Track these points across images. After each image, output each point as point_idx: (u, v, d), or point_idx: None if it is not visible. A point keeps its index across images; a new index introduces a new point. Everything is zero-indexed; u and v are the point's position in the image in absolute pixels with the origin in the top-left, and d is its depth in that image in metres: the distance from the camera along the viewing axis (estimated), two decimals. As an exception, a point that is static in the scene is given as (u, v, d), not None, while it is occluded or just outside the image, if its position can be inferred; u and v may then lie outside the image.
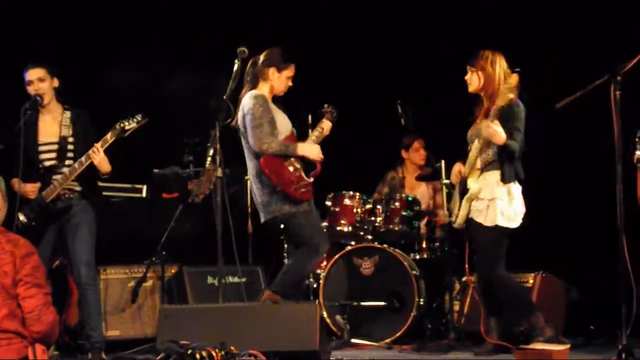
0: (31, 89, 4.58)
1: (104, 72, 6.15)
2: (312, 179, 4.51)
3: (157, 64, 6.11)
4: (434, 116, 5.78)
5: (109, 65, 6.13)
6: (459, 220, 4.39)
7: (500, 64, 4.29)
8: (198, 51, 6.11)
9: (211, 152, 4.18)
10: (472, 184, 4.31)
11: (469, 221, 4.34)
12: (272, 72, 4.51)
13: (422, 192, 5.96)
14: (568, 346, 4.07)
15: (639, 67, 3.64)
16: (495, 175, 4.27)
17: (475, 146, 4.32)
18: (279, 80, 4.50)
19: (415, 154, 5.96)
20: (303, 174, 4.42)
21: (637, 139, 3.69)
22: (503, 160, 4.23)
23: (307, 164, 4.51)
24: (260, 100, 4.41)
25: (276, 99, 4.59)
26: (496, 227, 4.21)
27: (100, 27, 6.09)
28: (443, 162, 5.12)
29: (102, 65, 6.13)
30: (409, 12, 6.09)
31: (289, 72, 4.52)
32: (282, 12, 6.16)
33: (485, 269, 4.32)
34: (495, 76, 4.26)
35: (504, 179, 4.23)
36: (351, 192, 5.56)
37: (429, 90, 5.87)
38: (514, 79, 4.13)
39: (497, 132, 4.15)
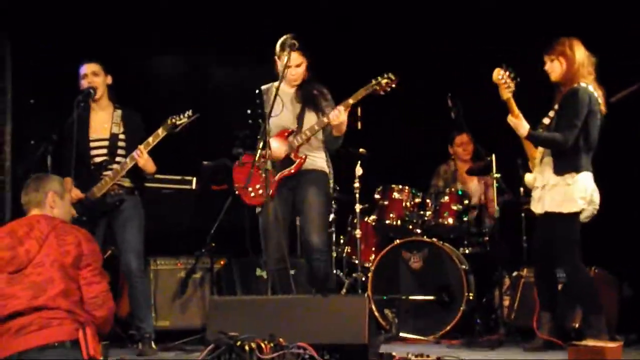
0: (85, 82, 4.72)
1: (153, 65, 6.27)
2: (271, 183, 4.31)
3: (205, 55, 6.19)
4: (485, 109, 5.54)
5: (157, 57, 6.25)
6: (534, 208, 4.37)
7: (579, 48, 4.25)
8: (244, 43, 6.15)
9: (261, 145, 4.24)
10: (530, 177, 4.38)
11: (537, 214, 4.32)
12: (276, 60, 4.56)
13: (474, 186, 5.94)
14: (621, 343, 4.04)
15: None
16: (550, 164, 4.26)
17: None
18: (280, 68, 4.47)
19: (459, 149, 5.99)
20: (270, 176, 4.23)
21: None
22: (553, 151, 4.24)
23: (284, 160, 4.48)
24: (256, 95, 4.51)
25: (301, 89, 4.56)
26: (546, 213, 4.18)
27: (144, 17, 6.16)
28: (494, 155, 5.12)
29: (150, 57, 6.23)
30: (461, 6, 6.10)
31: (288, 60, 4.43)
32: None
33: (560, 259, 4.23)
34: (575, 60, 4.22)
35: (556, 171, 4.21)
36: (400, 186, 5.61)
37: (480, 82, 5.75)
38: (494, 74, 4.20)
39: (520, 124, 4.21)
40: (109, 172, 4.67)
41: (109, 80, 4.77)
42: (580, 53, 4.21)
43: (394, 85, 4.36)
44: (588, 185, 4.22)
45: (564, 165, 4.19)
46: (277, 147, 4.46)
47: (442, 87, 5.30)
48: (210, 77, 6.25)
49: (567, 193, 4.17)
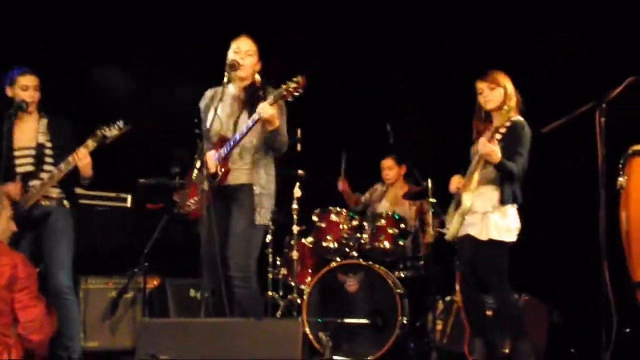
0: (25, 95, 4.57)
1: (91, 77, 6.14)
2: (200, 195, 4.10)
3: (148, 69, 6.09)
4: (423, 133, 5.95)
5: (96, 69, 6.12)
6: (450, 233, 4.40)
7: (510, 82, 4.40)
8: (192, 60, 6.14)
9: (198, 164, 4.13)
10: (467, 198, 4.33)
11: (464, 238, 4.36)
12: (228, 57, 4.35)
13: (403, 209, 5.93)
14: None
15: (624, 95, 3.74)
16: (492, 192, 4.30)
17: (475, 162, 4.34)
18: (229, 60, 4.30)
19: (383, 172, 6.06)
20: (200, 185, 4.05)
21: (620, 166, 3.68)
22: (503, 180, 4.27)
23: (211, 174, 4.23)
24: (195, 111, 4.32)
25: (249, 89, 4.35)
26: (491, 241, 4.23)
27: (87, 28, 6.09)
28: (430, 180, 5.19)
29: (88, 69, 6.11)
30: (402, 26, 6.21)
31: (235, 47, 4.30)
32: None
33: (491, 286, 4.29)
34: (512, 92, 4.35)
35: (502, 201, 4.26)
36: (338, 208, 5.63)
37: (418, 108, 6.06)
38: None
39: (493, 150, 4.17)
40: (35, 182, 4.53)
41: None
42: (512, 86, 4.36)
43: (301, 90, 4.09)
44: (517, 216, 4.35)
45: (508, 195, 4.26)
46: (210, 160, 4.24)
47: (384, 111, 5.46)
48: (155, 90, 6.19)
49: (508, 223, 4.26)
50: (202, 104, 4.43)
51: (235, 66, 4.25)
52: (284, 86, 4.13)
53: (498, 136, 4.21)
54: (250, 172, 4.32)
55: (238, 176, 4.29)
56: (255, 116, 4.15)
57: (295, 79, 4.13)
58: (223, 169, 4.25)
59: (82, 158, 4.48)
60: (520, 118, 4.29)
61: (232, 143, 4.23)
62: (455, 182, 4.42)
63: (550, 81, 5.58)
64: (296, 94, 4.12)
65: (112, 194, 5.53)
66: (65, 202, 4.63)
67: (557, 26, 5.66)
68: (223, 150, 4.25)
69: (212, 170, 4.21)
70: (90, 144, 4.51)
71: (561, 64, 5.60)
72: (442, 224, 5.10)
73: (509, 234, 4.24)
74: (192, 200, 4.32)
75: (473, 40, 5.87)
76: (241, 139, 4.21)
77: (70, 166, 4.50)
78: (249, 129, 4.19)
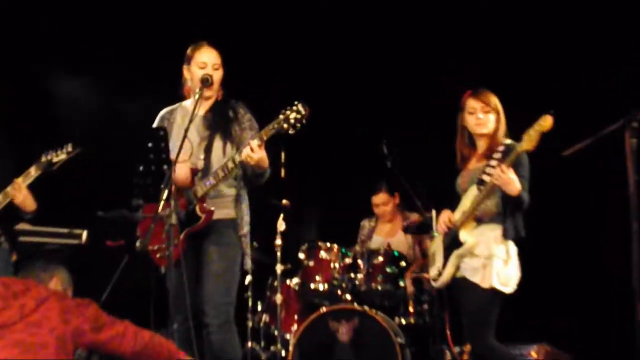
0: None
1: (43, 91, 6.19)
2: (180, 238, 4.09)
3: (107, 83, 6.17)
4: (425, 157, 5.87)
5: (49, 82, 6.20)
6: (443, 278, 4.39)
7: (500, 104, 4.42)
8: (157, 75, 6.10)
9: (165, 194, 4.04)
10: (467, 237, 4.30)
11: (458, 281, 4.36)
12: (184, 71, 4.41)
13: (399, 242, 5.91)
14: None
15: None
16: (495, 229, 4.28)
17: (472, 194, 4.32)
18: (191, 74, 4.35)
19: (376, 210, 6.07)
20: (168, 220, 3.99)
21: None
22: (507, 214, 4.25)
23: (188, 214, 4.23)
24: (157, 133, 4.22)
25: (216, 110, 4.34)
26: (492, 289, 4.21)
27: (42, 40, 6.17)
28: (434, 212, 5.11)
29: (40, 82, 6.17)
30: (400, 50, 6.30)
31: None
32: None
33: (476, 336, 4.29)
34: (502, 117, 4.39)
35: (506, 236, 4.24)
36: (328, 244, 5.58)
37: (418, 129, 6.05)
38: (548, 121, 4.08)
39: (512, 180, 4.14)
40: None
41: None
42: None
43: (304, 122, 4.07)
44: (518, 261, 4.35)
45: (511, 230, 4.26)
46: (181, 174, 4.21)
47: (378, 130, 5.45)
48: (114, 108, 6.21)
49: (510, 272, 4.28)
50: (165, 113, 4.43)
51: (209, 82, 4.24)
52: (281, 117, 4.07)
53: (493, 162, 4.23)
54: (230, 205, 4.33)
55: (215, 210, 4.29)
56: (236, 157, 4.14)
57: (296, 108, 4.08)
58: (203, 213, 4.22)
59: (19, 189, 4.40)
60: (512, 141, 4.30)
61: (208, 184, 4.22)
62: (446, 218, 4.41)
63: (573, 97, 5.63)
64: (298, 126, 4.06)
65: (64, 230, 5.40)
66: (2, 237, 4.59)
67: (579, 37, 5.79)
68: (198, 188, 4.23)
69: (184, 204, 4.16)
70: (34, 171, 4.46)
71: (585, 78, 5.68)
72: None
73: (508, 285, 4.25)
74: (155, 248, 4.29)
75: (466, 80, 5.80)
76: (220, 181, 4.22)
77: (8, 199, 4.44)
78: (228, 173, 4.18)
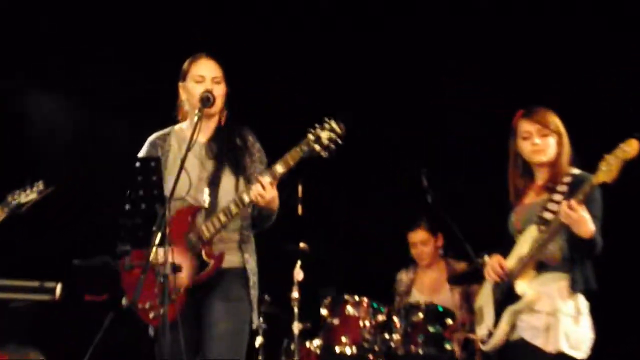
0: None
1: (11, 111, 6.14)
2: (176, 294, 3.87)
3: (87, 101, 6.12)
4: (472, 192, 5.82)
5: (17, 101, 6.14)
6: (495, 340, 4.13)
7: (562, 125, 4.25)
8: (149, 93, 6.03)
9: (157, 238, 3.76)
10: (525, 290, 4.02)
11: (514, 344, 4.10)
12: (179, 89, 4.22)
13: (444, 296, 5.68)
14: None
15: None
16: (560, 280, 4.03)
17: (530, 235, 4.06)
18: (187, 89, 4.16)
19: (414, 250, 5.86)
20: (161, 270, 3.81)
21: None
22: (575, 261, 4.02)
23: (199, 261, 4.05)
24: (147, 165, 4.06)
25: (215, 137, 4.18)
26: (560, 355, 3.96)
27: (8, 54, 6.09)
28: (487, 257, 4.62)
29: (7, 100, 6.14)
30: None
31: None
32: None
33: None
34: (565, 141, 4.17)
35: (575, 288, 4.01)
36: (357, 297, 5.36)
37: (458, 156, 5.99)
38: (634, 146, 3.88)
39: (585, 219, 3.87)
40: None
41: None
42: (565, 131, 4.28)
43: (340, 142, 3.93)
44: (590, 318, 4.15)
45: (580, 280, 4.04)
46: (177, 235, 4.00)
47: (415, 155, 5.48)
48: (98, 133, 6.11)
49: (582, 333, 4.03)
50: (157, 139, 4.31)
51: (210, 100, 4.06)
52: (310, 136, 3.95)
53: (558, 197, 4.03)
54: (236, 252, 4.16)
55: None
56: (245, 197, 3.99)
57: (328, 126, 3.97)
58: (211, 258, 4.02)
59: None
60: (581, 171, 4.13)
61: (216, 224, 4.06)
62: (497, 265, 4.15)
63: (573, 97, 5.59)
64: (332, 148, 3.95)
65: (35, 283, 5.17)
66: None
67: (578, 37, 5.83)
68: (204, 229, 4.06)
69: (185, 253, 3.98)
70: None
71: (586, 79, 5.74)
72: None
73: (580, 349, 4.01)
74: (147, 305, 4.03)
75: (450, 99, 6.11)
76: (229, 220, 4.04)
77: None
78: (231, 217, 4.02)
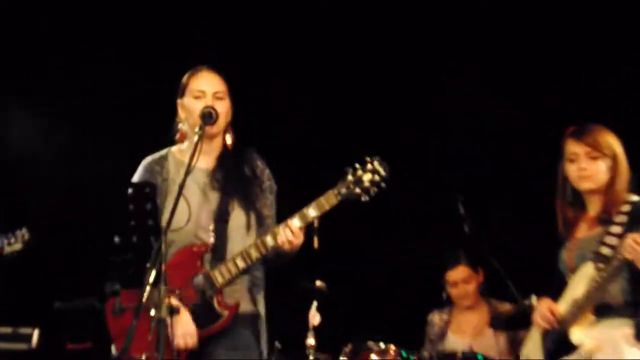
0: None
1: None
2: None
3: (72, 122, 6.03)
4: (515, 222, 5.71)
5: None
6: None
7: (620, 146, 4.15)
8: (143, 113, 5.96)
9: (152, 276, 3.60)
10: (582, 338, 3.93)
11: None
12: (178, 107, 4.10)
13: (485, 343, 5.43)
14: None
15: None
16: (623, 326, 3.93)
17: (586, 275, 3.96)
18: (186, 106, 4.04)
19: (453, 290, 5.66)
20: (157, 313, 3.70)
21: None
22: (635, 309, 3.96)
23: (203, 310, 3.95)
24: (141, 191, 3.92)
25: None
26: None
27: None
28: (534, 297, 4.52)
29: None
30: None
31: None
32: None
33: None
34: (622, 164, 4.07)
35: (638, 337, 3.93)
36: (382, 345, 5.08)
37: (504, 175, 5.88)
38: None
39: None
40: None
41: None
42: (623, 153, 4.15)
43: (383, 185, 3.93)
44: None
45: None
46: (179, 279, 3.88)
47: (449, 183, 5.42)
48: (81, 154, 5.99)
49: None
50: (152, 163, 4.16)
51: (212, 117, 3.93)
52: (350, 177, 3.92)
53: (616, 229, 3.94)
54: (245, 295, 4.05)
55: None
56: (268, 242, 3.92)
57: (371, 167, 3.96)
58: (225, 309, 3.93)
59: None
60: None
61: (232, 270, 3.97)
62: (547, 311, 4.06)
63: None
64: (374, 191, 3.95)
65: (7, 330, 5.05)
66: None
67: (579, 36, 5.83)
68: (218, 275, 3.94)
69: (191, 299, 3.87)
70: None
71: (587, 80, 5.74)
72: None
73: None
74: (142, 357, 3.78)
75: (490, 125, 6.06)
76: (247, 265, 3.95)
77: None
78: (251, 263, 3.94)
